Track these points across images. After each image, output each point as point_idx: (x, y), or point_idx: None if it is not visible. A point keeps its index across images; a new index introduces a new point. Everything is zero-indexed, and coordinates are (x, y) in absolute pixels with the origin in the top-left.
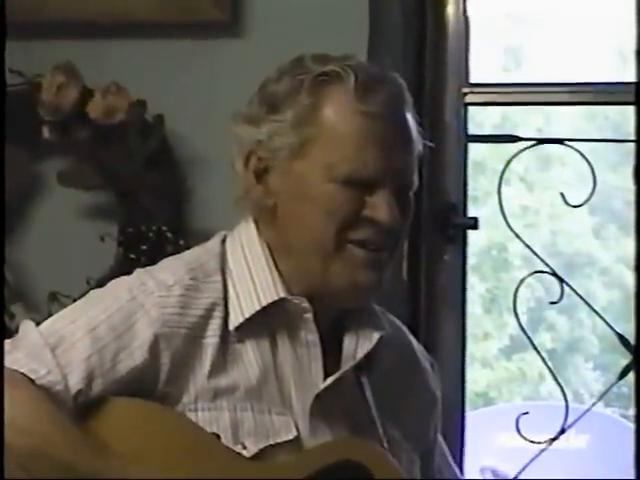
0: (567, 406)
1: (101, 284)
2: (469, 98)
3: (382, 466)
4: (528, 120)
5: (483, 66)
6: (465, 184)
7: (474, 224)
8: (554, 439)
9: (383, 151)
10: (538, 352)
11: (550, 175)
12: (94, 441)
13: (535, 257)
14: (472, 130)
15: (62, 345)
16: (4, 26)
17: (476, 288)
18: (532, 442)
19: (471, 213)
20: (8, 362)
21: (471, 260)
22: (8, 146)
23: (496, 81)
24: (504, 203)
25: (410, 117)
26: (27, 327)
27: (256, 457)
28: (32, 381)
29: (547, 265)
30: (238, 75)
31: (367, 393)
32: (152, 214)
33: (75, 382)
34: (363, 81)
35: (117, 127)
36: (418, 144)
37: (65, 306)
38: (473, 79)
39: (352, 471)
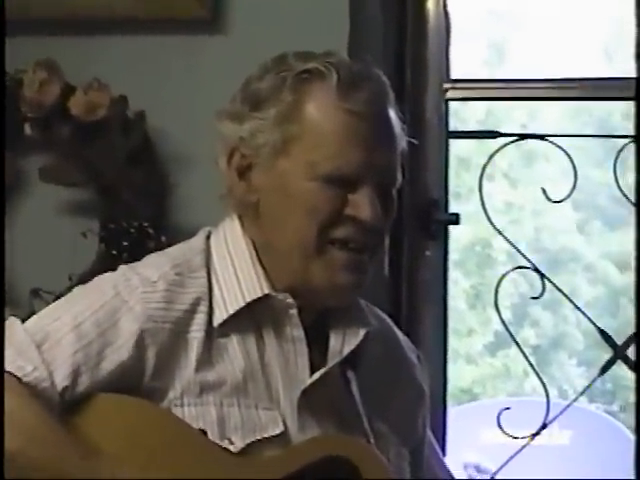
0: (548, 402)
1: (83, 280)
2: (450, 94)
3: (369, 462)
4: (512, 116)
5: (466, 62)
6: (446, 180)
7: (455, 220)
8: (535, 434)
9: (366, 149)
10: (520, 348)
11: (534, 171)
12: (81, 440)
13: (519, 253)
14: (456, 126)
15: (48, 342)
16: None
17: (460, 284)
18: (514, 438)
19: (456, 209)
20: None
21: (455, 256)
22: None
23: (479, 77)
24: (488, 199)
25: (393, 114)
26: (12, 324)
27: (243, 452)
28: (19, 379)
29: (529, 261)
30: (219, 71)
31: (353, 388)
32: (134, 210)
33: (61, 379)
34: (345, 79)
35: (99, 123)
36: (401, 141)
37: (47, 302)
38: (456, 75)
39: (339, 467)
